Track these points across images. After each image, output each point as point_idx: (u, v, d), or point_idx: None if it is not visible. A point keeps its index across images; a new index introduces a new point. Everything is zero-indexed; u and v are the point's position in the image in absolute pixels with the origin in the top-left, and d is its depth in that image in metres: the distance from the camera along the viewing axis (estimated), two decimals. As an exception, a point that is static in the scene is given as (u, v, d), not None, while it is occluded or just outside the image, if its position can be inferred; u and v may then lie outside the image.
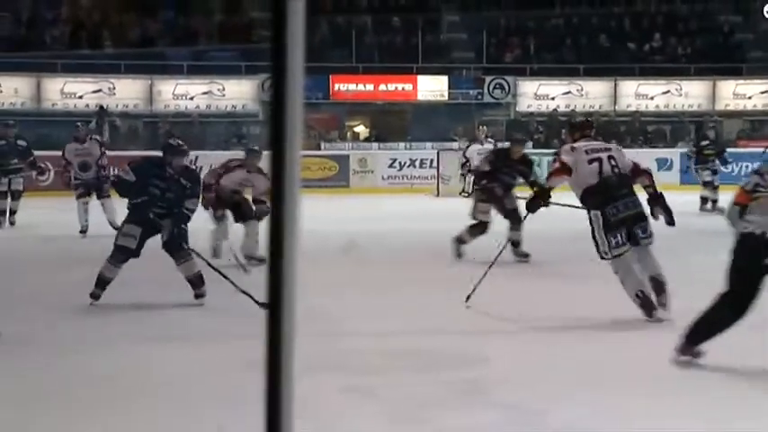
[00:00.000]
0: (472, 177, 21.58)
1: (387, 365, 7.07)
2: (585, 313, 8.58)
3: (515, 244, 12.15)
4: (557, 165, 8.93)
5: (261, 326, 1.68)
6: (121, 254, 9.26)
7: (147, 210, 9.32)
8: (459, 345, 7.68)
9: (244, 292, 8.27)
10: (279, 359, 1.64)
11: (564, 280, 10.77)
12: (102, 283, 9.25)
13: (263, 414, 1.68)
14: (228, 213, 12.22)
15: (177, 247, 9.33)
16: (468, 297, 8.88)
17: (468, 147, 21.54)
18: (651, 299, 8.31)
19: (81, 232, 15.27)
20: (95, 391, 6.42)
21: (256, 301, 8.12)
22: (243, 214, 12.06)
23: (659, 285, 8.38)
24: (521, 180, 12.77)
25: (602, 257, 8.47)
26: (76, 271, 9.18)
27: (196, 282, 9.36)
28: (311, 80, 27.98)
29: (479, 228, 12.39)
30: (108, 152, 23.42)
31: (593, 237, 8.51)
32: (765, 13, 33.53)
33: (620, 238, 8.40)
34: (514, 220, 12.20)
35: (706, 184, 18.97)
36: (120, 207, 14.10)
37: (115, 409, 5.99)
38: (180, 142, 9.88)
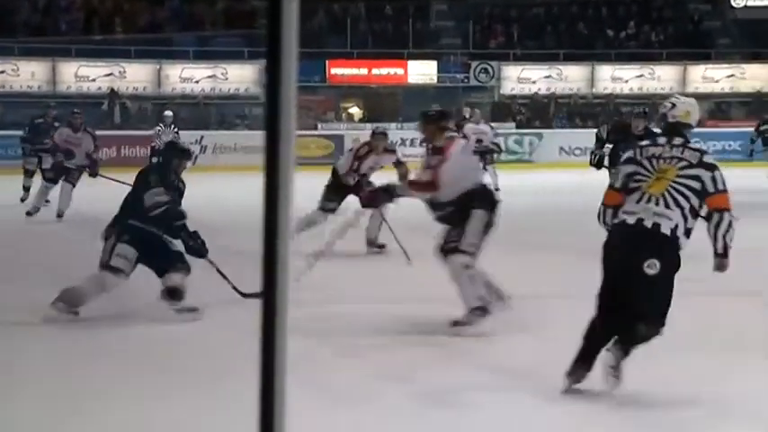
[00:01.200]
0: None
1: (378, 329, 7.06)
2: (584, 286, 8.52)
3: None
4: (433, 177, 7.16)
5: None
6: (115, 276, 7.43)
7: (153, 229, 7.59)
8: (449, 312, 7.59)
9: (234, 289, 7.90)
10: (273, 335, 1.62)
11: (570, 253, 10.58)
12: (75, 301, 7.41)
13: (258, 382, 1.65)
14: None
15: (182, 258, 7.61)
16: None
17: (463, 125, 21.30)
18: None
19: (28, 214, 14.02)
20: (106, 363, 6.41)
21: (241, 293, 7.85)
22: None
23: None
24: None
25: (467, 252, 7.03)
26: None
27: (180, 293, 7.54)
28: (309, 64, 28.17)
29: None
30: (120, 132, 23.37)
31: (464, 228, 7.07)
32: (732, 2, 33.62)
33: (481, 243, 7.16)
34: None
35: None
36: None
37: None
38: (186, 145, 8.18)
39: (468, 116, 19.84)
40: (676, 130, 5.47)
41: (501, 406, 5.36)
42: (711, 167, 5.26)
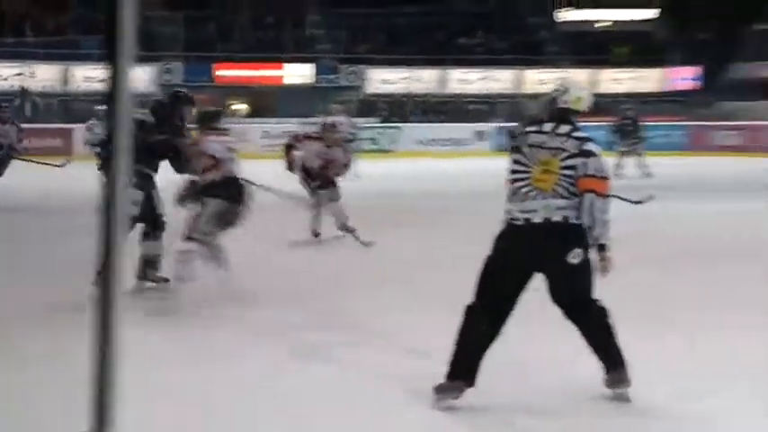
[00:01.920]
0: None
1: (255, 296, 6.83)
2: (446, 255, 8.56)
3: None
4: (212, 160, 6.82)
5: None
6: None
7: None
8: (323, 283, 7.54)
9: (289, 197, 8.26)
10: (109, 311, 1.60)
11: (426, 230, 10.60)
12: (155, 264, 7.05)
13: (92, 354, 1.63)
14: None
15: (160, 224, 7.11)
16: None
17: (322, 120, 21.34)
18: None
19: None
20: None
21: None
22: (333, 193, 9.92)
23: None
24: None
25: (194, 238, 6.69)
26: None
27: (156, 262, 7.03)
28: (197, 67, 28.36)
29: None
30: (30, 125, 22.65)
31: (198, 217, 6.75)
32: (555, 16, 34.68)
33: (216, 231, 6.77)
34: None
35: (624, 153, 18.89)
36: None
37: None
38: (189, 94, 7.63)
39: (334, 112, 19.94)
40: (564, 117, 4.50)
41: (371, 362, 5.14)
42: (587, 154, 4.39)
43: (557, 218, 4.32)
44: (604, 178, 4.40)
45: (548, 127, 4.48)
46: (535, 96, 31.97)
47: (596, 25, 35.61)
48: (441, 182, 18.08)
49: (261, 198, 7.35)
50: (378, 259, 8.71)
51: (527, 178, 4.40)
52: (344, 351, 5.41)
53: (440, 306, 6.29)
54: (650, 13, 35.75)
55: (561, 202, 4.33)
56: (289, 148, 10.24)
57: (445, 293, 6.58)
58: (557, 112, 4.51)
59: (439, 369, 4.40)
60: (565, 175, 4.35)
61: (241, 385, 4.78)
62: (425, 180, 18.39)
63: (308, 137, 10.25)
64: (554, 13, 35.04)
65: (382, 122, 28.60)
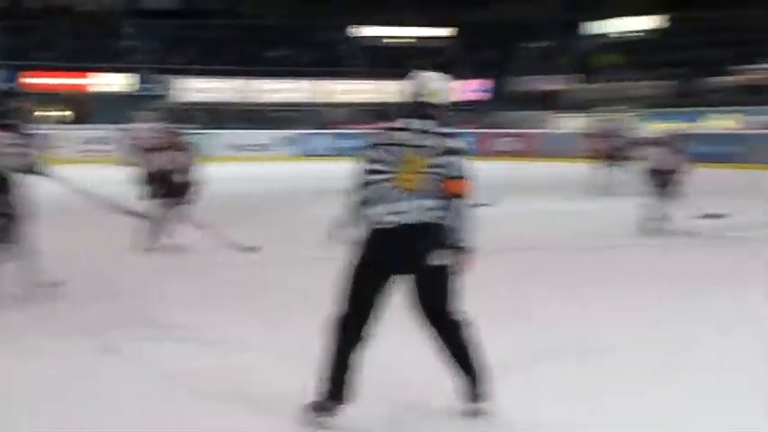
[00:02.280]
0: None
1: (69, 294, 6.67)
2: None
3: None
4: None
5: None
6: None
7: None
8: (145, 283, 7.40)
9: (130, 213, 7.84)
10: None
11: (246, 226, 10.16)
12: None
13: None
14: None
15: None
16: None
17: (138, 127, 21.39)
18: None
19: None
20: None
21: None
22: (182, 198, 9.39)
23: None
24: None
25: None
26: None
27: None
28: (7, 75, 28.09)
29: None
30: None
31: None
32: (349, 32, 35.73)
33: None
34: None
35: None
36: None
37: None
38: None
39: (145, 120, 20.03)
40: (424, 112, 4.03)
41: (167, 355, 5.14)
42: (453, 152, 3.95)
43: (427, 218, 3.92)
44: (469, 179, 4.00)
45: (411, 124, 4.02)
46: (335, 105, 33.25)
47: (385, 41, 37.03)
48: (251, 183, 18.43)
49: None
50: (203, 259, 8.59)
51: (392, 179, 3.95)
52: (159, 349, 5.27)
53: (259, 302, 6.56)
54: (444, 32, 37.60)
55: (430, 203, 3.92)
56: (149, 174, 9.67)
57: (264, 290, 6.94)
58: (415, 107, 4.06)
59: (256, 365, 4.69)
60: (432, 173, 3.92)
61: (52, 382, 4.61)
62: (237, 182, 18.61)
63: (151, 149, 9.78)
64: (348, 29, 36.14)
65: (197, 129, 28.84)
